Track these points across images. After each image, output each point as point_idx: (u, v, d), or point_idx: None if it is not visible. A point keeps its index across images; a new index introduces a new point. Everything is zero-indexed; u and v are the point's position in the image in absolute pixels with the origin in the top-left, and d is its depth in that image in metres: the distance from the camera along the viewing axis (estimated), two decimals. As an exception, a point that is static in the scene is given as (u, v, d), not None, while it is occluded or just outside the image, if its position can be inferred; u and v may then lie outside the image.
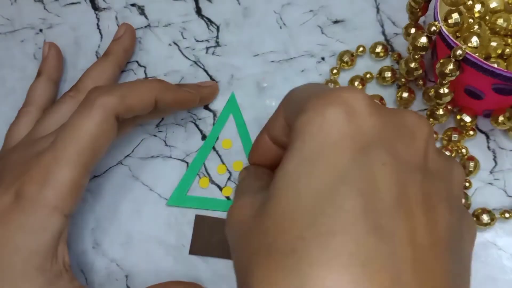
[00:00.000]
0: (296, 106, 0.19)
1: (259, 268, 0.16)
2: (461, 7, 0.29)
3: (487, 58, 0.30)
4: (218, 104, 0.35)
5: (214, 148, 0.34)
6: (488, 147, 0.32)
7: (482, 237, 0.30)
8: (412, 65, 0.30)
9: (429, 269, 0.16)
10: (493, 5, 0.31)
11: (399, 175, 0.17)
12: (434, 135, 0.32)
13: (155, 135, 0.34)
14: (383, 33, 0.36)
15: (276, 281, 0.15)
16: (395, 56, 0.35)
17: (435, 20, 0.28)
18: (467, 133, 0.32)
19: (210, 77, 0.36)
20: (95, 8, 0.39)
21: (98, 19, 0.39)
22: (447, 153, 0.31)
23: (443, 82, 0.28)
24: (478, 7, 0.30)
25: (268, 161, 0.24)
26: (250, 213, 0.19)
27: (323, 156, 0.17)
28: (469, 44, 0.27)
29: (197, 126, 0.34)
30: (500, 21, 0.30)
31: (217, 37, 0.37)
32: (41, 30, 0.39)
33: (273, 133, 0.23)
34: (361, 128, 0.17)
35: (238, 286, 0.18)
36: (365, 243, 0.15)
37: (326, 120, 0.17)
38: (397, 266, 0.15)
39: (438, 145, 0.32)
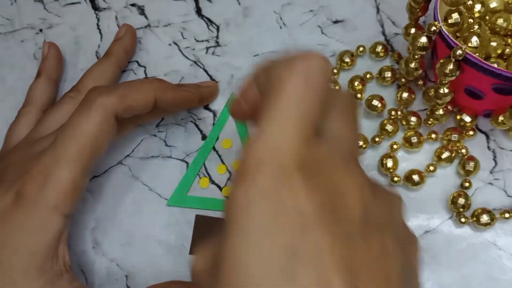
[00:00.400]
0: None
1: None
2: (461, 7, 0.29)
3: (487, 58, 0.30)
4: (218, 104, 0.35)
5: (214, 148, 0.34)
6: (488, 147, 0.32)
7: (482, 237, 0.30)
8: (412, 65, 0.30)
9: None
10: (493, 5, 0.31)
11: (343, 243, 0.17)
12: (431, 136, 0.32)
13: (155, 135, 0.34)
14: (383, 33, 0.36)
15: None
16: (395, 56, 0.35)
17: (435, 20, 0.28)
18: (467, 133, 0.32)
19: (210, 77, 0.36)
20: (95, 8, 0.39)
21: (98, 19, 0.39)
22: (447, 153, 0.31)
23: (443, 82, 0.28)
24: (478, 7, 0.30)
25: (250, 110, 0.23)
26: (204, 267, 0.18)
27: (271, 237, 0.16)
28: (469, 44, 0.27)
29: (197, 126, 0.34)
30: (500, 21, 0.30)
31: (217, 37, 0.37)
32: (41, 30, 0.39)
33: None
34: (298, 206, 0.17)
35: None
36: None
37: (264, 197, 0.17)
38: None
39: (438, 145, 0.32)
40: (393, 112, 0.33)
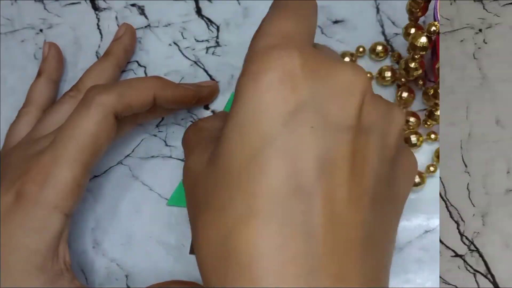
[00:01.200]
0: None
1: (200, 219, 0.19)
2: (461, 7, 0.29)
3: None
4: (218, 104, 0.35)
5: (214, 148, 0.34)
6: (488, 147, 0.32)
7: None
8: (412, 65, 0.30)
9: (345, 222, 0.18)
10: (492, 5, 0.31)
11: (326, 137, 0.18)
12: (430, 136, 0.32)
13: (155, 135, 0.34)
14: (383, 33, 0.36)
15: (209, 232, 0.18)
16: (395, 56, 0.35)
17: (435, 20, 0.28)
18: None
19: (210, 77, 0.36)
20: (95, 8, 0.39)
21: (98, 19, 0.39)
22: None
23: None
24: (478, 7, 0.30)
25: None
26: (199, 168, 0.21)
27: (254, 122, 0.18)
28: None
29: (197, 126, 0.34)
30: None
31: (217, 37, 0.37)
32: (41, 30, 0.39)
33: None
34: (294, 92, 0.18)
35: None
36: (284, 203, 0.17)
37: (260, 86, 0.18)
38: (311, 222, 0.17)
39: (437, 145, 0.32)
40: (393, 112, 0.33)
